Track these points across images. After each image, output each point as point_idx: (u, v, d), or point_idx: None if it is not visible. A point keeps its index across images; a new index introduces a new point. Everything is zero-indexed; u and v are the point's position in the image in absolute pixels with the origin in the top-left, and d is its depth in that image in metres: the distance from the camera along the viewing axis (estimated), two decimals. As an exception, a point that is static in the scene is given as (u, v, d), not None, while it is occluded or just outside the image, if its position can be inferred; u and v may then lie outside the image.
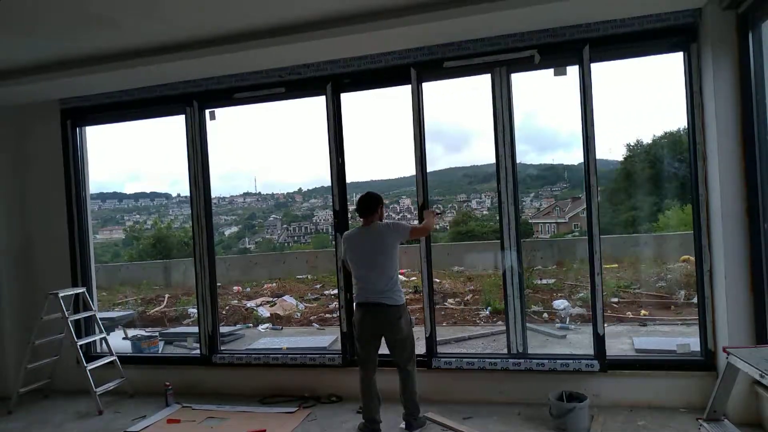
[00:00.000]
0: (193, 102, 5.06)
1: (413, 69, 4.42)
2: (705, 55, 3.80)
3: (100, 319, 5.27)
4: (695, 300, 4.63)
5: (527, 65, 4.24)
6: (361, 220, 3.94)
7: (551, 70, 4.33)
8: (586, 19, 3.99)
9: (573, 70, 4.23)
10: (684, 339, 4.93)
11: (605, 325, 4.18)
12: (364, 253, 3.81)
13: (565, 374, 4.16)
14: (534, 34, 4.12)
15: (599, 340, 4.13)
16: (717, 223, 3.78)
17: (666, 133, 12.44)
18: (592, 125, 4.12)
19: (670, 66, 4.20)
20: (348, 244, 3.94)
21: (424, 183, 4.49)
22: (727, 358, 2.84)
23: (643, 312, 7.53)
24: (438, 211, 3.64)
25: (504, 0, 3.64)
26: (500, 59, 4.23)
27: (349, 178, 4.85)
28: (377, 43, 4.24)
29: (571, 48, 4.10)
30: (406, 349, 3.81)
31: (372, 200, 3.88)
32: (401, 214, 17.80)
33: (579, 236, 14.10)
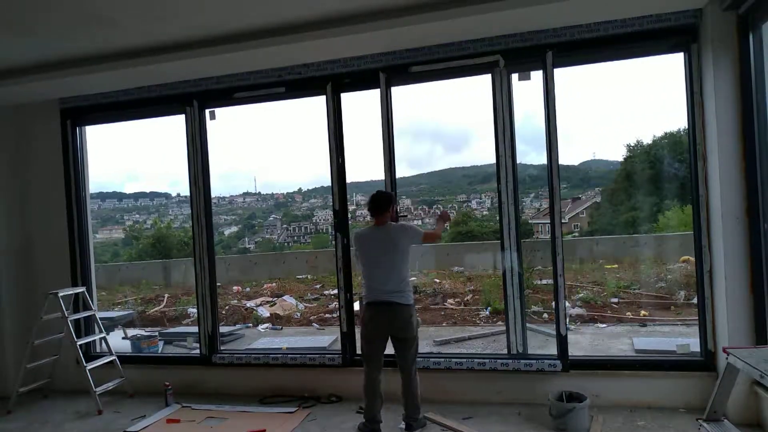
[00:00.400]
0: (193, 102, 5.06)
1: (382, 74, 4.50)
2: (705, 55, 3.80)
3: (99, 318, 5.27)
4: (695, 300, 4.63)
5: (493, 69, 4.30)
6: (373, 219, 3.93)
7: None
8: (579, 21, 4.00)
9: (568, 73, 4.25)
10: (684, 339, 4.94)
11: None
12: (378, 253, 3.81)
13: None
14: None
15: (562, 341, 4.16)
16: (717, 224, 3.78)
17: (666, 134, 12.46)
18: (555, 130, 4.18)
19: (670, 67, 4.22)
20: (360, 244, 3.93)
21: (393, 187, 4.54)
22: (727, 358, 2.84)
23: (642, 312, 7.53)
24: (450, 217, 3.74)
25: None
26: (467, 64, 4.30)
27: (349, 178, 4.85)
28: (377, 44, 4.25)
29: (538, 53, 4.16)
30: (412, 349, 3.82)
31: (383, 200, 3.87)
32: (401, 214, 17.81)
33: (579, 237, 14.12)
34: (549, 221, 4.24)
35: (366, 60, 4.50)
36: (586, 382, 4.08)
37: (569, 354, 4.17)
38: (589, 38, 4.06)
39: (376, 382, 3.85)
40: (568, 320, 7.26)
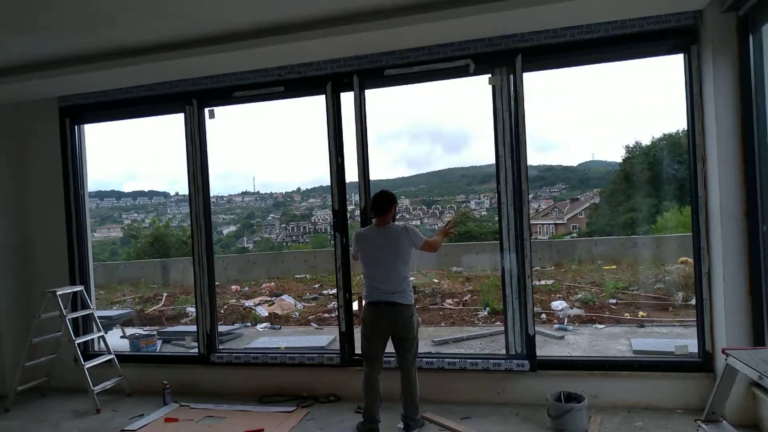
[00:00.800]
0: (193, 100, 5.05)
1: (356, 76, 4.55)
2: (705, 57, 3.80)
3: (98, 317, 5.26)
4: (693, 302, 4.64)
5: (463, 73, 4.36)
6: (374, 219, 3.94)
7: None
8: (577, 22, 4.00)
9: (568, 74, 4.25)
10: (682, 340, 4.95)
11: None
12: (380, 253, 3.81)
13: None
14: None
15: (529, 340, 4.25)
16: (716, 225, 3.79)
17: (665, 135, 12.50)
18: (524, 132, 4.23)
19: (669, 68, 4.23)
20: (361, 243, 3.93)
21: (366, 189, 4.58)
22: (726, 359, 2.84)
23: (641, 313, 7.55)
24: (453, 232, 3.76)
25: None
26: (438, 68, 4.36)
27: (348, 177, 4.85)
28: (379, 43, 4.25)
29: (506, 56, 4.21)
30: (412, 349, 3.82)
31: (384, 200, 3.87)
32: (400, 215, 17.82)
33: (578, 237, 14.14)
34: (548, 222, 4.25)
35: (366, 60, 4.50)
36: (584, 383, 4.09)
37: (569, 354, 4.18)
38: (588, 39, 4.06)
39: (376, 382, 3.85)
40: (566, 321, 7.31)
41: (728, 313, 3.70)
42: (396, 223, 3.95)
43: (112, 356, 5.06)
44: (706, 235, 3.94)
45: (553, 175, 16.54)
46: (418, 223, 17.36)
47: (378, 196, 3.88)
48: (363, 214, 4.57)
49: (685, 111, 4.05)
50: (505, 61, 4.25)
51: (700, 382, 3.94)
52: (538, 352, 4.33)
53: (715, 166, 3.73)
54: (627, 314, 7.59)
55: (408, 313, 3.76)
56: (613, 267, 10.39)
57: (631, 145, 13.35)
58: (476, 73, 4.34)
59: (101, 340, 5.20)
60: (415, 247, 3.85)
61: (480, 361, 4.37)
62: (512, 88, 4.26)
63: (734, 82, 3.65)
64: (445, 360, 4.44)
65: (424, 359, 4.43)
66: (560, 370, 4.25)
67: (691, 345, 4.27)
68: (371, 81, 4.59)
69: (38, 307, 4.91)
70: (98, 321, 5.23)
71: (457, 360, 4.42)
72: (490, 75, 4.38)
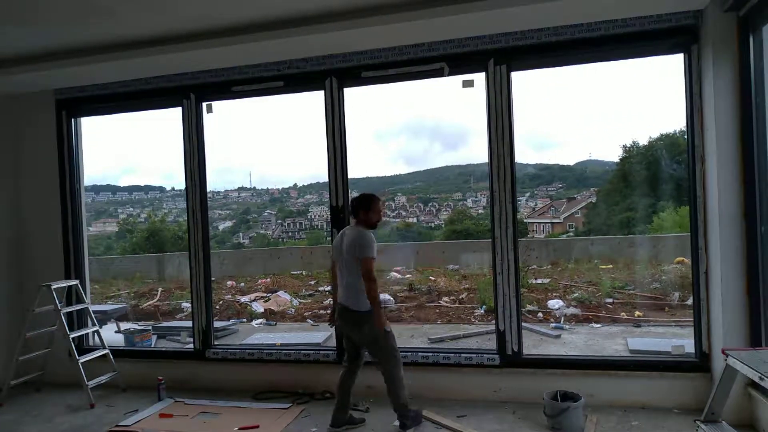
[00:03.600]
0: (191, 95, 5.01)
1: (333, 77, 4.61)
2: (705, 56, 3.80)
3: (92, 312, 5.23)
4: (689, 302, 4.65)
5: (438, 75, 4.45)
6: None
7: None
8: (582, 20, 4.00)
9: (566, 72, 4.25)
10: (678, 340, 4.96)
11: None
12: (338, 255, 3.85)
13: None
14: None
15: (500, 336, 4.37)
16: (714, 225, 3.79)
17: (662, 135, 12.51)
18: (507, 132, 4.32)
19: (668, 68, 4.22)
20: (334, 242, 4.00)
21: (344, 189, 4.68)
22: (725, 360, 2.84)
23: (637, 313, 7.56)
24: (387, 329, 3.73)
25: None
26: (413, 70, 4.46)
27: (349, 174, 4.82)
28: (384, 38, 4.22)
29: (478, 59, 4.31)
30: (379, 353, 3.77)
31: (355, 202, 3.85)
32: (396, 212, 17.77)
33: (574, 236, 14.16)
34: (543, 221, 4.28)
35: (365, 55, 4.48)
36: (580, 382, 4.09)
37: (565, 353, 4.19)
38: (588, 38, 4.06)
39: (343, 381, 3.88)
40: (563, 320, 7.32)
41: (725, 313, 3.71)
42: (361, 230, 3.74)
43: (106, 351, 5.03)
44: (704, 235, 3.94)
45: (550, 173, 16.54)
46: (414, 220, 17.34)
47: (353, 199, 3.88)
48: (336, 212, 4.60)
49: (684, 111, 4.05)
50: (505, 58, 4.24)
51: (697, 382, 3.95)
52: (534, 351, 4.34)
53: (714, 166, 3.73)
54: (623, 314, 7.60)
55: (356, 317, 3.70)
56: (609, 266, 10.41)
57: (628, 145, 13.37)
58: (456, 73, 4.43)
59: (96, 334, 5.17)
60: (357, 256, 3.64)
61: (452, 355, 4.47)
62: (504, 88, 4.29)
63: (734, 83, 3.65)
64: (419, 354, 4.53)
65: (419, 353, 4.50)
66: (556, 369, 4.26)
67: (688, 345, 4.27)
68: (348, 81, 4.61)
69: (33, 300, 4.88)
70: (93, 315, 5.20)
71: (430, 354, 4.53)
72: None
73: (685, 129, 4.13)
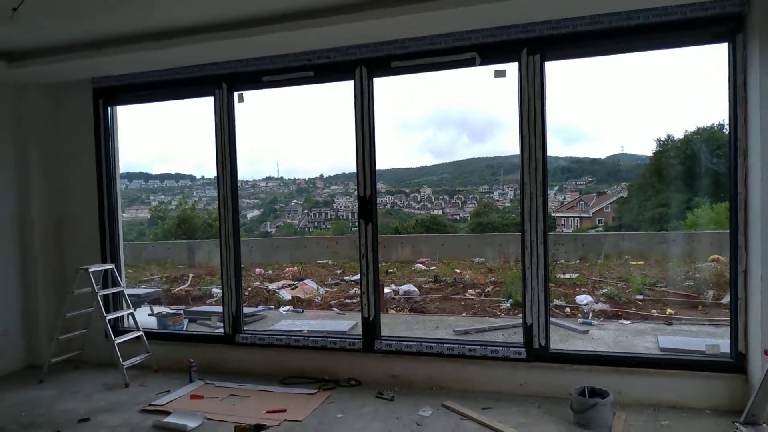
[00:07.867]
0: (222, 84, 5.08)
1: (363, 66, 4.58)
2: (752, 46, 3.63)
3: (127, 295, 5.40)
4: (724, 300, 4.51)
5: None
6: None
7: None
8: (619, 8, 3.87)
9: (599, 65, 4.13)
10: (713, 340, 4.83)
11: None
12: None
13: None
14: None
15: (527, 330, 4.33)
16: (755, 223, 3.65)
17: (699, 129, 12.08)
18: (528, 124, 4.24)
19: (707, 58, 4.07)
20: None
21: (373, 182, 4.68)
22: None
23: (668, 311, 7.38)
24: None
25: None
26: (443, 60, 4.40)
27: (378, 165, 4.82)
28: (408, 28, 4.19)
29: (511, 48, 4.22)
30: None
31: None
32: (421, 203, 17.73)
33: (604, 231, 13.87)
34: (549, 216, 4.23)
35: (396, 45, 4.46)
36: (608, 378, 4.02)
37: (593, 349, 4.12)
38: (627, 27, 3.92)
39: None
40: (591, 315, 7.20)
41: (765, 313, 3.58)
42: None
43: (140, 333, 5.20)
44: (745, 233, 3.80)
45: (580, 167, 16.20)
46: (440, 213, 17.26)
47: None
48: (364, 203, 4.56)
49: (725, 103, 3.89)
50: (539, 48, 4.16)
51: (731, 383, 3.83)
52: (562, 346, 4.29)
53: (758, 161, 3.58)
54: (654, 311, 7.42)
55: None
56: (640, 262, 10.16)
57: (662, 139, 12.96)
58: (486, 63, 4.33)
59: (130, 317, 5.35)
60: None
61: (478, 347, 4.45)
62: (537, 78, 4.19)
63: (782, 73, 3.49)
64: (444, 346, 4.51)
65: (424, 344, 4.57)
66: (584, 365, 4.19)
67: (723, 345, 4.15)
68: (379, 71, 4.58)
69: (72, 283, 5.07)
70: (128, 298, 5.37)
71: (456, 345, 4.52)
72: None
73: (724, 122, 3.99)
